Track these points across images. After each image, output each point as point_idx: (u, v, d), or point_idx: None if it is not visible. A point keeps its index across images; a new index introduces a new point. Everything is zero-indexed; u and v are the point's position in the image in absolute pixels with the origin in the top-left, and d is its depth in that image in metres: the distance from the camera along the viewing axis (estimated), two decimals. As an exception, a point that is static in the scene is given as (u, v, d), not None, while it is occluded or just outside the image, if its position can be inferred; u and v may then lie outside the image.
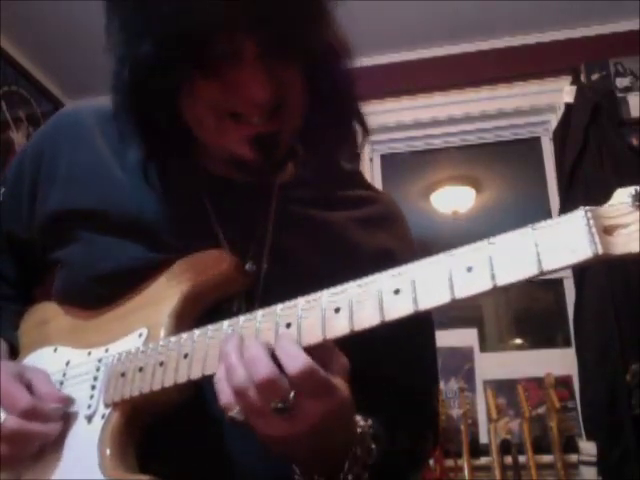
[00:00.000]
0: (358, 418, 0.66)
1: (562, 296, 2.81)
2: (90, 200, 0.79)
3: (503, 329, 3.09)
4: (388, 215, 0.89)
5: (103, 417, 0.69)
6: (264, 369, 0.55)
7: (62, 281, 0.82)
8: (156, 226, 0.77)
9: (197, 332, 0.66)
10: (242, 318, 0.63)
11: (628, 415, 2.25)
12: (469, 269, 0.52)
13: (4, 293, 0.90)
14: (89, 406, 0.71)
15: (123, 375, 0.69)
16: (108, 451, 0.66)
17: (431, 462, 2.32)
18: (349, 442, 0.64)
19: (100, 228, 0.78)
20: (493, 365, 2.73)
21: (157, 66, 0.64)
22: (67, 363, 0.76)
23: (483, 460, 2.44)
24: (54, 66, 3.07)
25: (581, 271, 2.48)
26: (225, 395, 0.58)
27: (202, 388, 0.66)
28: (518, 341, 3.06)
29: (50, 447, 0.70)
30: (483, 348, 2.80)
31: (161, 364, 0.66)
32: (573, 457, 2.37)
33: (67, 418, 0.71)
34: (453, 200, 3.31)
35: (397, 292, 0.55)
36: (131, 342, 0.72)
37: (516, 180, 3.20)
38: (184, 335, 0.67)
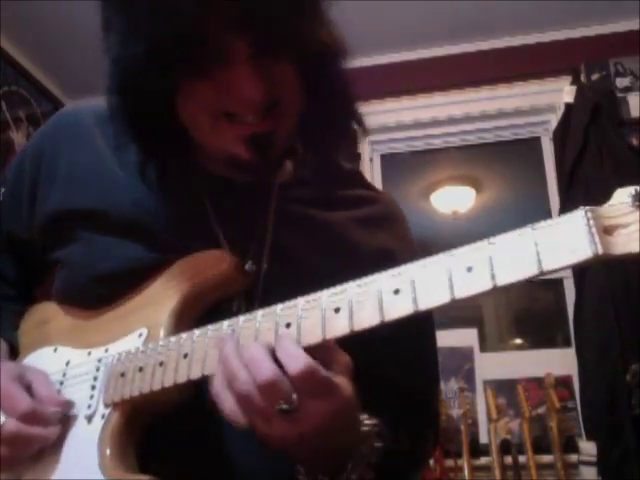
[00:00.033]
0: (363, 417, 0.66)
1: (562, 296, 2.81)
2: (90, 200, 0.79)
3: (503, 329, 3.09)
4: (388, 215, 0.89)
5: (103, 417, 0.69)
6: (266, 370, 0.55)
7: (62, 281, 0.82)
8: (156, 226, 0.77)
9: (197, 332, 0.66)
10: (242, 318, 0.63)
11: (628, 415, 2.25)
12: (469, 269, 0.52)
13: (4, 293, 0.90)
14: (89, 406, 0.71)
15: (123, 375, 0.69)
16: (108, 451, 0.66)
17: (431, 462, 2.32)
18: (354, 441, 0.64)
19: (100, 228, 0.78)
20: (493, 365, 2.73)
21: (149, 68, 0.64)
22: (67, 363, 0.76)
23: (483, 460, 2.44)
24: (54, 66, 3.07)
25: (581, 271, 2.48)
26: (228, 403, 0.57)
27: (202, 388, 0.66)
28: (518, 341, 3.06)
29: (50, 447, 0.70)
30: (483, 348, 2.80)
31: (161, 364, 0.66)
32: (573, 457, 2.37)
33: (67, 419, 0.71)
34: (453, 200, 3.31)
35: (397, 292, 0.55)
36: (131, 342, 0.72)
37: (516, 180, 3.19)
38: (184, 335, 0.67)
